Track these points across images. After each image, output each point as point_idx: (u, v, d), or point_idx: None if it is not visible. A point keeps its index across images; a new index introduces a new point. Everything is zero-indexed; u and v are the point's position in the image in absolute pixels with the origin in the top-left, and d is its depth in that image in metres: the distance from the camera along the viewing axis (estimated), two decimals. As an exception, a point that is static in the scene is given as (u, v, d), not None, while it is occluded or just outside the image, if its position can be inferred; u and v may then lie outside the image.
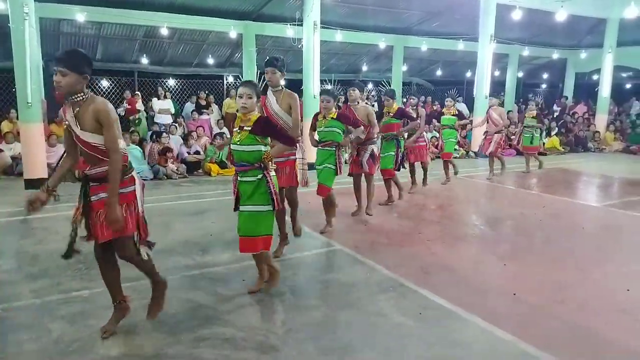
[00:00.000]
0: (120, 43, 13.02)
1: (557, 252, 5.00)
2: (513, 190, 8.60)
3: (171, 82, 14.09)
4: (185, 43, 13.59)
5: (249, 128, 3.47)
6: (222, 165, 9.49)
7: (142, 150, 9.11)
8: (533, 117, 10.08)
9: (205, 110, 11.98)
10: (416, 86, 19.06)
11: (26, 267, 4.28)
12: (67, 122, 2.92)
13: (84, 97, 2.88)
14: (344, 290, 3.91)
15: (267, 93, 4.42)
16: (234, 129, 3.58)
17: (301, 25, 10.41)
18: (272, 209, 3.55)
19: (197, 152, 9.71)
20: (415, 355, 2.95)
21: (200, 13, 11.69)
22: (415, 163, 7.76)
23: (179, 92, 13.98)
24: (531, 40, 16.80)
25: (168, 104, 11.56)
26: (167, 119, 11.18)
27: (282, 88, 4.43)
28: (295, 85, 14.47)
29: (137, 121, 11.10)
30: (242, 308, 3.54)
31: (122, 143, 2.94)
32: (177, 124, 10.69)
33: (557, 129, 14.95)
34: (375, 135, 6.10)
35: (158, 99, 11.49)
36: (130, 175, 3.02)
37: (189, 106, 12.24)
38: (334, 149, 5.22)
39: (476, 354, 2.99)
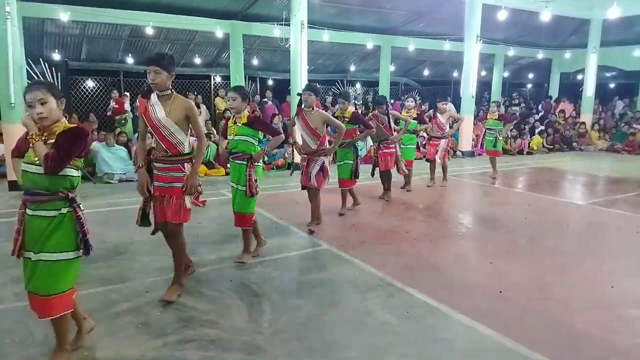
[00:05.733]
0: (105, 43, 12.90)
1: (542, 250, 5.06)
2: (498, 189, 8.67)
3: (158, 82, 13.95)
4: (171, 43, 13.50)
5: (52, 140, 2.57)
6: (209, 165, 9.44)
7: (128, 151, 9.03)
8: (495, 120, 9.28)
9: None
10: (404, 86, 19.16)
11: (9, 270, 4.21)
12: None
13: None
14: (330, 290, 3.92)
15: (151, 97, 3.52)
16: (29, 136, 2.58)
17: (288, 25, 10.40)
18: (80, 255, 2.71)
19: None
20: (399, 353, 2.97)
21: (186, 12, 11.62)
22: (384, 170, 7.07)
23: (166, 92, 13.87)
24: (516, 40, 16.98)
25: (154, 104, 11.45)
26: (154, 120, 11.09)
27: (172, 92, 3.51)
28: (284, 86, 14.50)
29: (123, 121, 11.00)
30: (228, 309, 3.53)
31: None
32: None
33: (542, 127, 15.13)
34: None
35: (144, 99, 11.39)
36: None
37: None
38: (245, 163, 4.28)
39: (459, 351, 3.02)
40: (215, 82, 14.73)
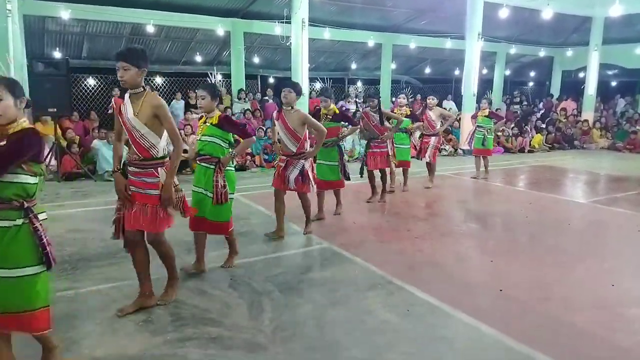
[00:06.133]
0: (106, 41, 12.90)
1: (543, 248, 5.05)
2: (500, 187, 8.66)
3: (158, 80, 13.97)
4: (172, 40, 13.50)
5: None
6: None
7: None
8: (485, 117, 8.90)
9: (194, 110, 11.93)
10: (405, 84, 19.14)
11: None
12: None
13: None
14: (331, 288, 3.92)
15: (125, 97, 3.29)
16: None
17: (289, 22, 10.40)
18: (44, 269, 2.47)
19: (185, 151, 9.62)
20: (400, 351, 2.97)
21: (187, 10, 11.63)
22: (375, 170, 6.75)
23: (167, 90, 13.88)
24: (518, 38, 16.97)
25: (155, 102, 11.44)
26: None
27: (144, 90, 3.22)
28: (285, 84, 14.50)
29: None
30: (228, 307, 3.54)
31: None
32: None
33: (542, 125, 15.11)
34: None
35: (145, 97, 11.38)
36: None
37: (177, 104, 12.15)
38: (213, 166, 3.99)
39: (460, 349, 3.02)
40: (216, 80, 14.72)
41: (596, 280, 4.19)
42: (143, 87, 3.21)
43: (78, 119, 10.42)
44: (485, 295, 3.83)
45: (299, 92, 4.90)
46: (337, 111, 5.89)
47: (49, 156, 8.08)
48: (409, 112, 7.56)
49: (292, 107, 4.86)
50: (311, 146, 5.14)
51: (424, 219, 6.25)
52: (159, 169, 3.28)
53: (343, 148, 5.95)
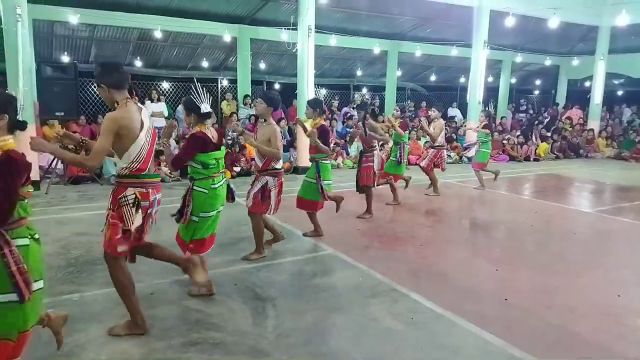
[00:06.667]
0: (113, 45, 12.99)
1: (548, 257, 5.03)
2: (505, 196, 8.64)
3: (165, 85, 14.04)
4: (179, 46, 13.58)
5: None
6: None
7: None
8: (482, 128, 8.74)
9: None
10: (410, 91, 19.16)
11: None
12: None
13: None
14: (335, 295, 3.91)
15: None
16: None
17: (296, 29, 10.44)
18: (17, 299, 2.19)
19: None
20: (404, 358, 2.96)
21: (194, 16, 11.71)
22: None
23: (173, 95, 13.96)
24: (524, 46, 16.96)
25: (161, 107, 11.53)
26: (160, 122, 11.13)
27: (117, 104, 2.96)
28: (290, 90, 14.53)
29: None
30: (232, 312, 3.54)
31: None
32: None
33: (547, 134, 15.07)
34: (278, 165, 4.59)
35: (151, 102, 11.46)
36: None
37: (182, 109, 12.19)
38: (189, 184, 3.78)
39: (464, 357, 3.00)
40: (222, 86, 14.79)
41: (602, 290, 4.17)
42: (116, 101, 2.94)
43: (85, 123, 10.49)
44: (490, 303, 3.82)
45: (270, 104, 4.49)
46: (321, 123, 5.37)
47: (55, 160, 8.13)
48: (395, 122, 7.29)
49: (265, 120, 4.52)
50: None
51: (429, 226, 6.23)
52: (120, 188, 2.97)
53: (321, 166, 5.30)
